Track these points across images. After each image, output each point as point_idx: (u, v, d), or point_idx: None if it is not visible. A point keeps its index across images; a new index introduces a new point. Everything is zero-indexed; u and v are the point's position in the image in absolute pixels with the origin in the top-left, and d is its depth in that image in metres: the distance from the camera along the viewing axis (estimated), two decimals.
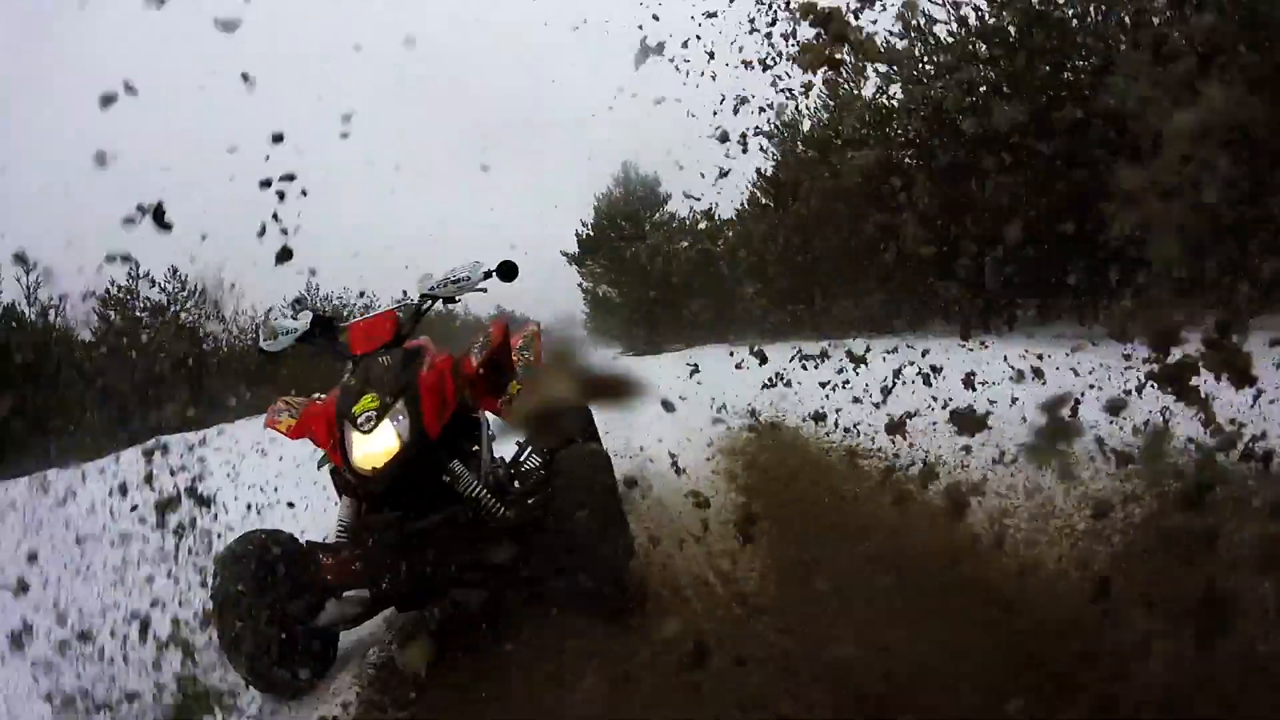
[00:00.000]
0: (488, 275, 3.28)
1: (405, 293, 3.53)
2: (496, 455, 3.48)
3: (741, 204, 18.70)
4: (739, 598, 2.92)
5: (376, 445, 2.69)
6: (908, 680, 1.90)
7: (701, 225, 22.27)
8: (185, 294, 15.71)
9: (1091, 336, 5.26)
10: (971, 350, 5.61)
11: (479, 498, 2.87)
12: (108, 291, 14.92)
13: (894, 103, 11.69)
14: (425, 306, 3.29)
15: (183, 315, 15.88)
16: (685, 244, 22.50)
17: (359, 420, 2.71)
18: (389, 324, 3.06)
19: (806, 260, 14.80)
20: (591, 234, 23.68)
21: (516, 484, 3.32)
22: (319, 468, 3.06)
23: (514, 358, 3.46)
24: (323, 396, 3.14)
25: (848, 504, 3.73)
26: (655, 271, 22.23)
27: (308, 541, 2.95)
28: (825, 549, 3.05)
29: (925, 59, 10.02)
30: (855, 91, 13.24)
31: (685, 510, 3.77)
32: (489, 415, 3.45)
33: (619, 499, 2.98)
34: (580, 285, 24.42)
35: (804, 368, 6.12)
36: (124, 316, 15.23)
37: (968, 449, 3.50)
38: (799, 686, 2.06)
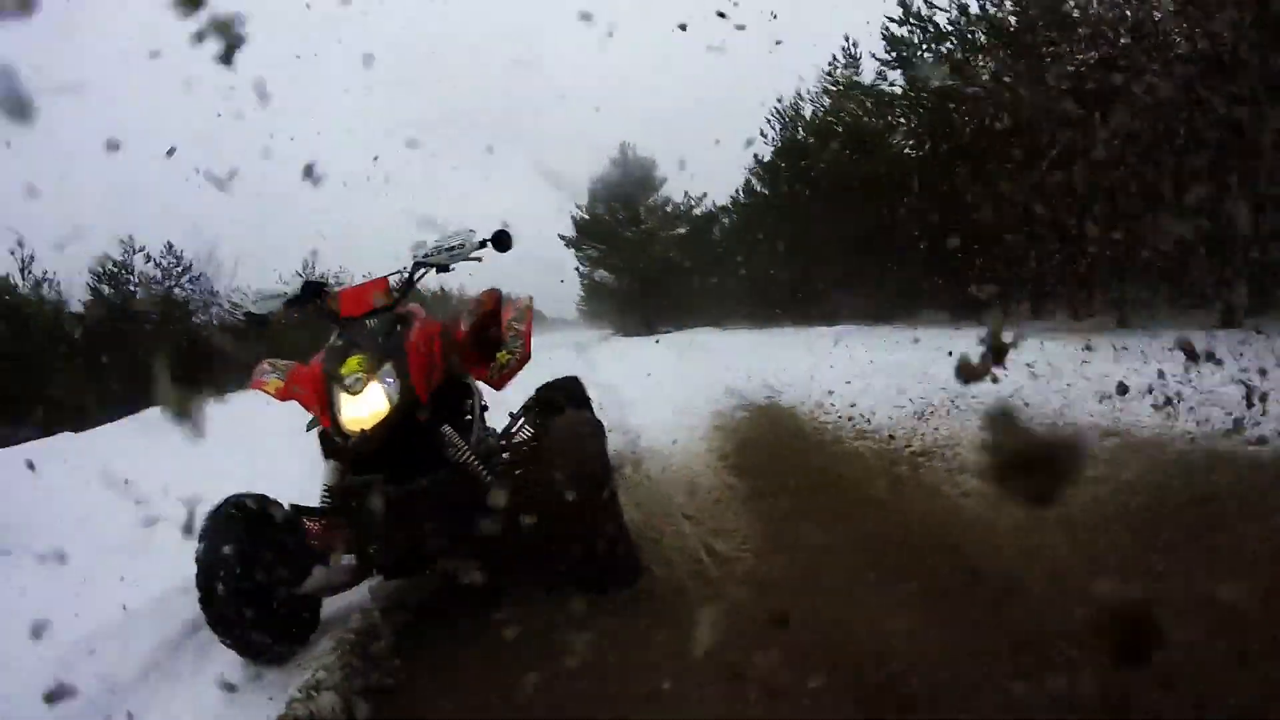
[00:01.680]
0: (482, 244, 3.16)
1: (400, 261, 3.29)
2: (489, 425, 3.37)
3: (737, 190, 18.72)
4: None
5: (365, 407, 2.63)
6: None
7: (696, 211, 22.28)
8: (180, 269, 15.62)
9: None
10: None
11: (469, 464, 2.77)
12: (102, 266, 14.80)
13: (895, 89, 11.71)
14: (418, 274, 3.16)
15: (177, 290, 15.76)
16: (682, 230, 22.49)
17: (347, 381, 2.64)
18: (379, 290, 2.99)
19: (798, 248, 14.85)
20: (587, 217, 23.54)
21: (507, 455, 3.17)
22: (307, 430, 2.96)
23: (504, 329, 3.39)
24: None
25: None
26: (649, 256, 22.19)
27: (293, 505, 2.85)
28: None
29: (925, 47, 10.00)
30: (854, 78, 13.30)
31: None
32: (481, 385, 3.35)
33: (610, 468, 2.87)
34: (576, 269, 24.33)
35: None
36: (117, 290, 15.13)
37: None
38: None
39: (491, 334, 3.30)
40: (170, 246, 15.49)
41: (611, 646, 2.30)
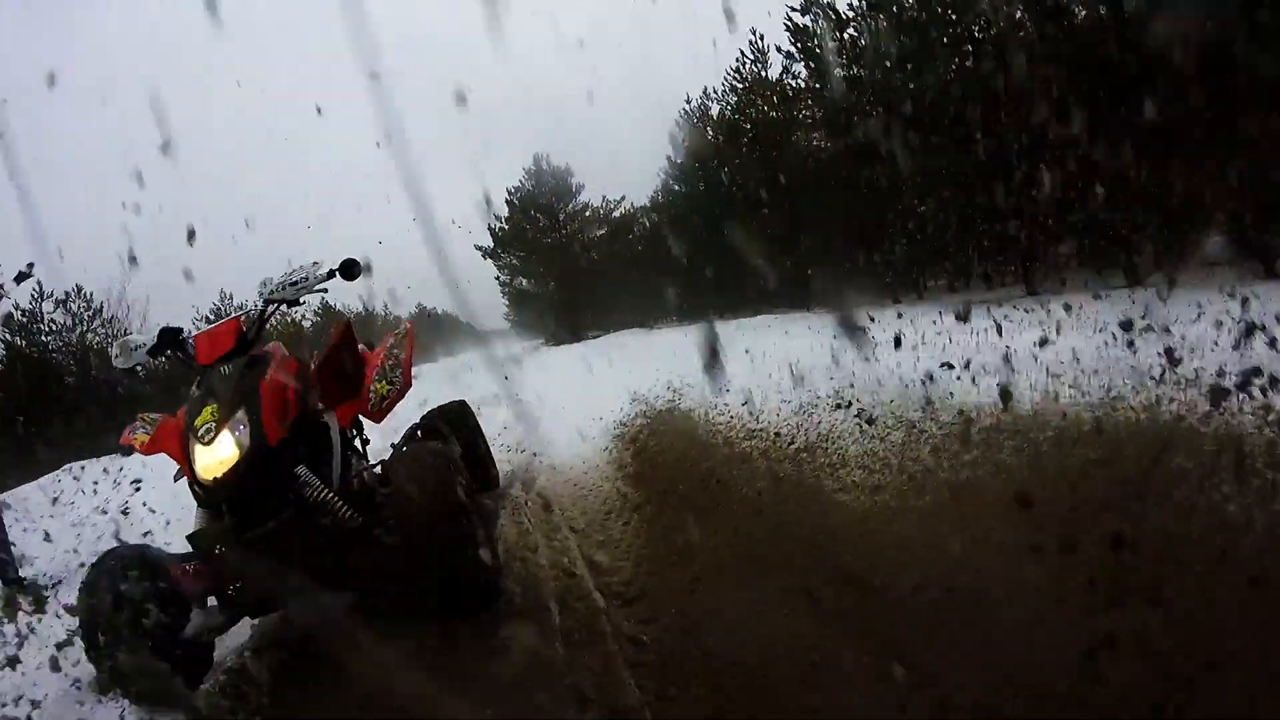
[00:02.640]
0: (330, 275, 3.21)
1: (248, 300, 3.56)
2: (368, 458, 3.56)
3: (656, 191, 18.74)
4: None
5: (215, 455, 2.71)
6: None
7: (616, 213, 22.25)
8: (90, 314, 14.49)
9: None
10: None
11: (325, 501, 2.83)
12: (9, 315, 13.54)
13: (799, 83, 11.86)
14: (268, 312, 3.20)
15: (90, 336, 14.63)
16: (600, 231, 22.42)
17: (199, 432, 2.74)
18: (232, 333, 3.01)
19: (716, 243, 14.92)
20: (505, 227, 23.25)
21: (382, 487, 3.09)
22: (175, 480, 3.05)
23: (383, 358, 3.50)
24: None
25: None
26: (571, 261, 22.08)
27: (169, 554, 2.93)
28: None
29: (828, 35, 10.14)
30: (761, 74, 13.44)
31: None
32: (362, 418, 3.56)
33: (459, 496, 2.89)
34: (496, 278, 23.96)
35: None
36: (27, 340, 13.92)
37: None
38: None
39: (349, 366, 3.30)
40: (79, 289, 14.31)
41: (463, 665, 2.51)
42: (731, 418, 4.70)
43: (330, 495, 2.85)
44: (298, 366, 3.10)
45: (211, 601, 2.84)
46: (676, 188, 17.48)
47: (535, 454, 5.59)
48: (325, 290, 3.26)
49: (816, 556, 2.58)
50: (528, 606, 2.89)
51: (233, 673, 2.89)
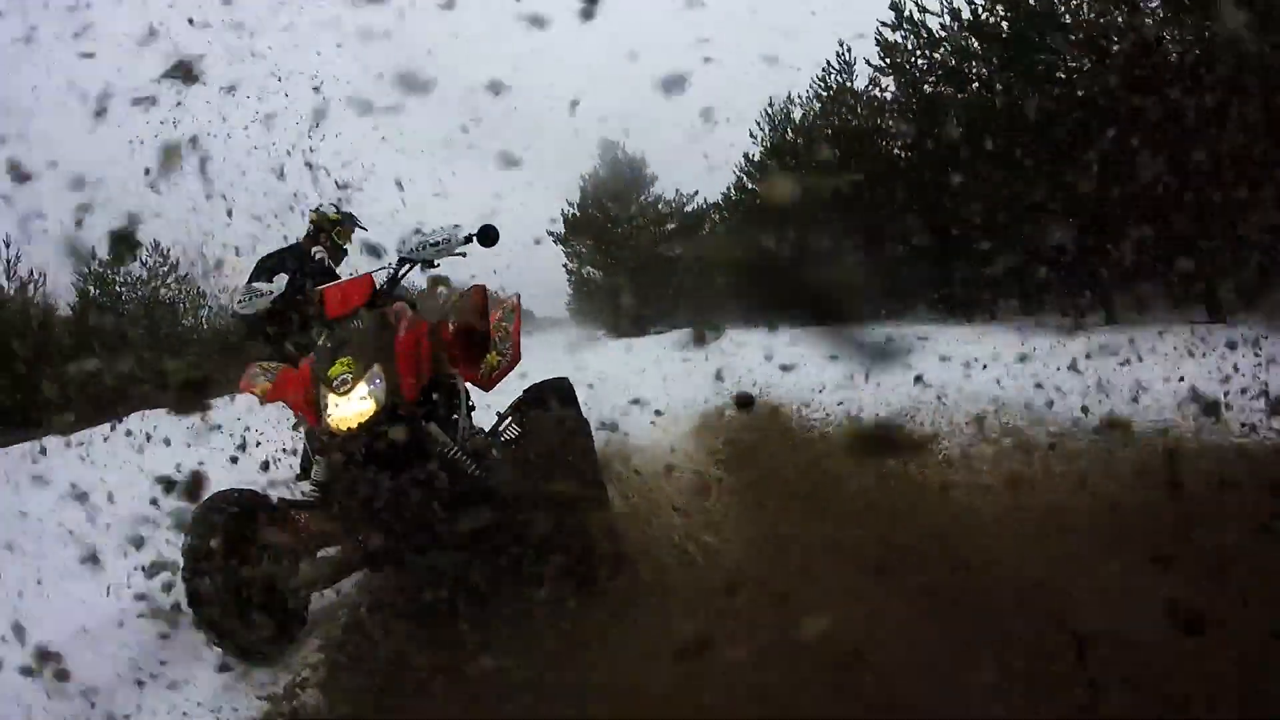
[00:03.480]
0: (468, 240, 3.11)
1: (383, 255, 3.39)
2: (476, 424, 3.33)
3: (728, 188, 18.85)
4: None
5: (352, 407, 2.67)
6: None
7: (689, 208, 22.39)
8: (167, 269, 15.21)
9: None
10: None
11: (455, 461, 2.80)
12: (87, 265, 14.33)
13: (886, 95, 11.90)
14: (402, 271, 3.14)
15: (163, 291, 15.38)
16: (671, 225, 22.56)
17: (334, 383, 2.69)
18: (364, 288, 2.97)
19: (789, 246, 14.98)
20: (577, 214, 23.55)
21: (495, 452, 3.09)
22: (294, 429, 3.07)
23: (493, 330, 3.29)
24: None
25: None
26: (639, 252, 22.23)
27: (281, 500, 2.87)
28: None
29: (918, 53, 10.19)
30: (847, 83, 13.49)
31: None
32: (468, 384, 3.34)
33: (596, 464, 2.92)
34: (565, 266, 24.29)
35: None
36: (104, 291, 14.72)
37: None
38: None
39: (478, 332, 3.22)
40: (157, 245, 15.17)
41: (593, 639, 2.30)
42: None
43: (459, 453, 2.83)
44: (428, 326, 3.08)
45: (322, 553, 2.80)
46: (751, 187, 17.60)
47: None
48: (464, 255, 3.18)
49: None
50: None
51: (349, 628, 2.78)
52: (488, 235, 3.11)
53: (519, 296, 3.53)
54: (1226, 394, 3.66)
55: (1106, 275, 8.17)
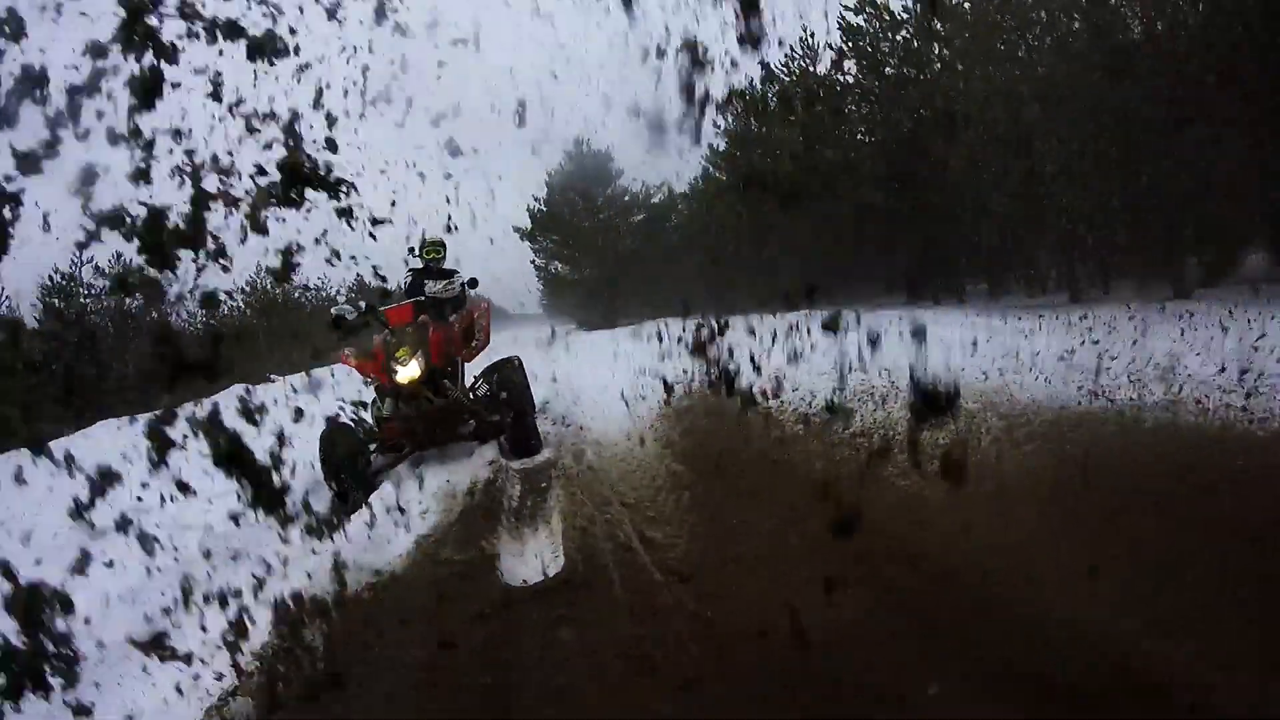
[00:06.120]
0: (462, 287, 6.15)
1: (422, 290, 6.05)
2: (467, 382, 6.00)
3: (694, 179, 18.75)
4: None
5: (409, 372, 5.24)
6: None
7: (655, 199, 22.30)
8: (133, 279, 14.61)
9: None
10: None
11: (458, 399, 5.48)
12: (50, 279, 13.97)
13: (848, 78, 11.88)
14: (427, 300, 5.81)
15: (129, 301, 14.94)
16: (638, 217, 22.48)
17: (399, 359, 5.26)
18: (410, 310, 5.55)
19: (756, 234, 14.98)
20: (544, 209, 23.34)
21: (474, 394, 5.79)
22: (366, 385, 5.79)
23: (474, 325, 6.15)
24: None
25: None
26: (608, 246, 22.15)
27: (357, 425, 5.50)
28: None
29: (881, 35, 10.18)
30: (809, 68, 13.44)
31: None
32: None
33: (531, 398, 6.06)
34: (533, 262, 24.08)
35: None
36: (68, 304, 14.31)
37: None
38: None
39: (474, 330, 6.14)
40: (118, 256, 14.67)
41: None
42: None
43: (460, 395, 5.50)
44: (445, 329, 5.64)
45: (385, 456, 5.59)
46: (718, 176, 17.53)
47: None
48: (459, 294, 6.09)
49: None
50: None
51: (285, 635, 3.17)
52: (473, 283, 6.26)
53: (489, 302, 6.70)
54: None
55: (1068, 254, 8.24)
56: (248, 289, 15.86)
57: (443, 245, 6.14)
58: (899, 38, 9.76)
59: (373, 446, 5.38)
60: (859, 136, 12.37)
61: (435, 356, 5.26)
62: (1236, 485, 2.94)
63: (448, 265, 6.27)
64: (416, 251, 6.07)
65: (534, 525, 4.02)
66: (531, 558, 3.52)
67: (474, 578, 3.42)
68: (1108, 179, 7.30)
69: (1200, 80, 6.11)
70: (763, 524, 3.37)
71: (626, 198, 22.85)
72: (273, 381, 8.65)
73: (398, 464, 5.37)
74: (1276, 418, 3.41)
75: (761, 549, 3.12)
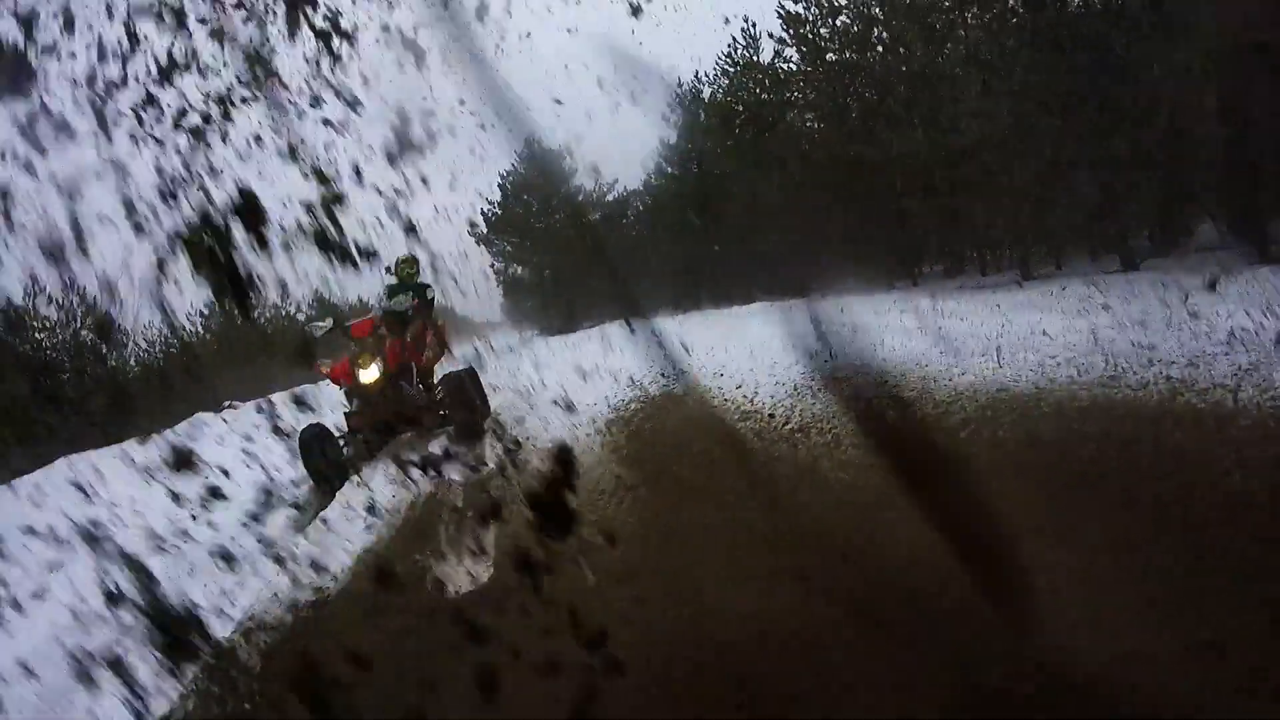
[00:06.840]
0: (414, 299, 6.51)
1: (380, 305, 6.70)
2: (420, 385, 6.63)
3: (648, 175, 18.60)
4: None
5: (369, 376, 5.98)
6: None
7: (609, 197, 22.09)
8: (84, 309, 13.99)
9: None
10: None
11: (411, 396, 6.20)
12: None
13: (791, 66, 11.75)
14: (382, 314, 6.44)
15: (84, 333, 14.20)
16: (594, 216, 22.21)
17: (361, 364, 5.98)
18: (369, 324, 6.35)
19: (707, 228, 14.85)
20: (499, 211, 22.93)
21: (436, 395, 6.45)
22: (340, 388, 6.33)
23: (431, 335, 6.79)
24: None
25: None
26: (564, 246, 21.85)
27: (327, 426, 6.04)
28: None
29: (820, 22, 10.06)
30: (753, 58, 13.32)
31: None
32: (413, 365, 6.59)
33: (485, 398, 6.72)
34: (491, 266, 23.67)
35: None
36: (17, 337, 13.49)
37: None
38: None
39: (424, 341, 6.68)
40: (71, 284, 13.95)
41: None
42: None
43: (414, 394, 6.22)
44: (401, 340, 6.35)
45: (349, 447, 6.09)
46: (670, 170, 17.39)
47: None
48: (411, 306, 6.49)
49: None
50: None
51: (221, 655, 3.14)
52: (427, 291, 6.84)
53: (445, 321, 7.25)
54: None
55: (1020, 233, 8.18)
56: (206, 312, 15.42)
57: (415, 261, 6.78)
58: (838, 23, 9.62)
59: (343, 441, 6.08)
60: (805, 123, 12.27)
61: (392, 363, 6.11)
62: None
63: (422, 280, 6.87)
64: (392, 269, 6.68)
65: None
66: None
67: None
68: (1045, 152, 7.22)
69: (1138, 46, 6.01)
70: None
71: (581, 196, 22.57)
72: (235, 408, 9.46)
73: (371, 457, 5.91)
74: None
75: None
